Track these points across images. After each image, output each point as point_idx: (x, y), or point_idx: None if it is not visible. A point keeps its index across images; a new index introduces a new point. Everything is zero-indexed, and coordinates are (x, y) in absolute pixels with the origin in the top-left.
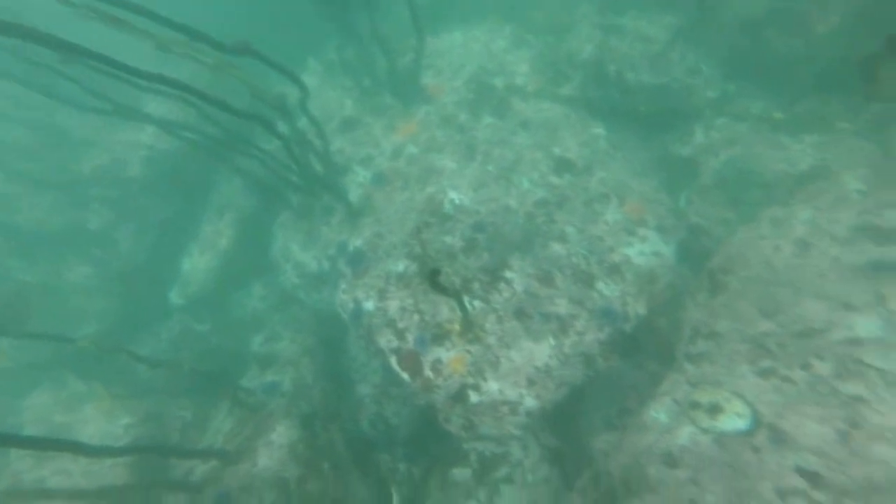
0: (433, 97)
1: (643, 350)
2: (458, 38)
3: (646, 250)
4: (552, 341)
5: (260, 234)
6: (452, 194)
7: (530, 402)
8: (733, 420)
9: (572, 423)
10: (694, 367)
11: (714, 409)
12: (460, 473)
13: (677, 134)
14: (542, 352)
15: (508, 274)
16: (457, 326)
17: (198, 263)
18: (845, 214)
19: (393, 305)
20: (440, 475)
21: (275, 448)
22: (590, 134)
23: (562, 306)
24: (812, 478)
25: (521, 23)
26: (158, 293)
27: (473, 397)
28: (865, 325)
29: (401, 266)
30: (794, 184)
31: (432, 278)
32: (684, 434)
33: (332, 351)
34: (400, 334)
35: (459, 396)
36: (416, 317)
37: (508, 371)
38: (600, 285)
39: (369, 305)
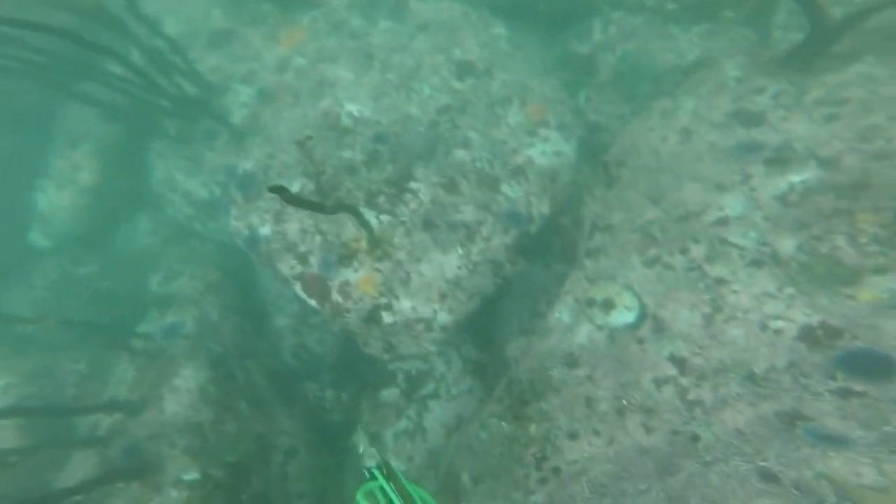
0: (319, 1)
1: (551, 250)
2: None
3: (547, 150)
4: (460, 250)
5: (132, 164)
6: (350, 107)
7: (444, 318)
8: (623, 314)
9: (490, 332)
10: (592, 262)
11: (607, 305)
12: (389, 394)
13: (576, 31)
14: (451, 263)
15: (414, 184)
16: (364, 244)
17: (57, 200)
18: (723, 101)
19: (291, 228)
20: (370, 398)
21: (182, 393)
22: (490, 34)
23: (468, 213)
24: (679, 363)
25: None
26: (15, 238)
27: (387, 318)
28: (732, 204)
29: (296, 185)
30: (682, 75)
31: (280, 193)
32: (583, 333)
33: (242, 284)
34: (302, 258)
35: (372, 318)
36: (318, 238)
37: (420, 287)
38: (505, 188)
39: (265, 230)
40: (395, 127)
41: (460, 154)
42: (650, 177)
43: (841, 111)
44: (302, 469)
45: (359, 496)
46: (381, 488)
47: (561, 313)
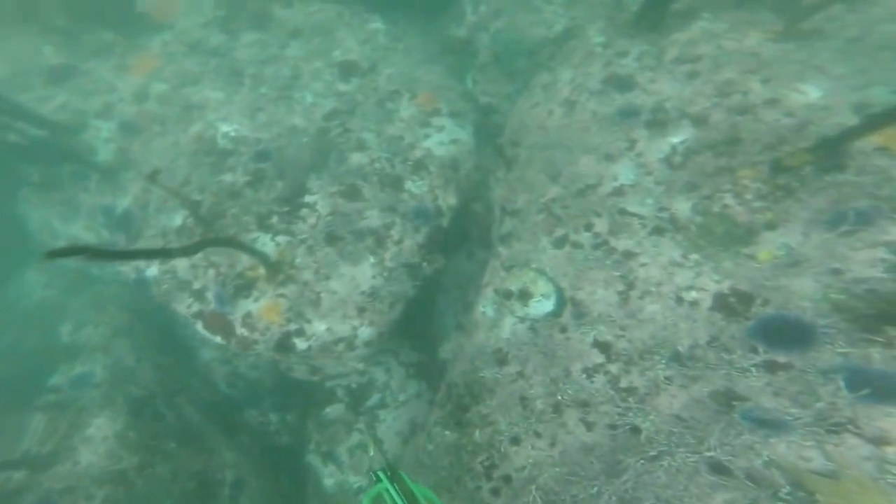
0: (164, 21)
1: (469, 238)
2: None
3: (444, 139)
4: (372, 259)
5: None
6: (225, 127)
7: (366, 332)
8: (541, 303)
9: (429, 330)
10: (505, 248)
11: (524, 295)
12: (333, 410)
13: (452, 15)
14: (364, 273)
15: (309, 198)
16: (262, 271)
17: None
18: (594, 68)
19: (181, 265)
20: (315, 416)
21: (96, 442)
22: (368, 30)
23: (374, 218)
24: (605, 349)
25: None
26: None
27: (301, 344)
28: (624, 173)
29: (178, 219)
30: (555, 46)
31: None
32: (506, 327)
33: (158, 322)
34: (198, 295)
35: (285, 347)
36: (210, 272)
37: (333, 305)
38: (409, 185)
39: (152, 271)
40: (278, 141)
41: (357, 157)
42: (545, 154)
43: (697, 68)
44: (253, 499)
45: (365, 501)
46: (387, 491)
47: (485, 307)
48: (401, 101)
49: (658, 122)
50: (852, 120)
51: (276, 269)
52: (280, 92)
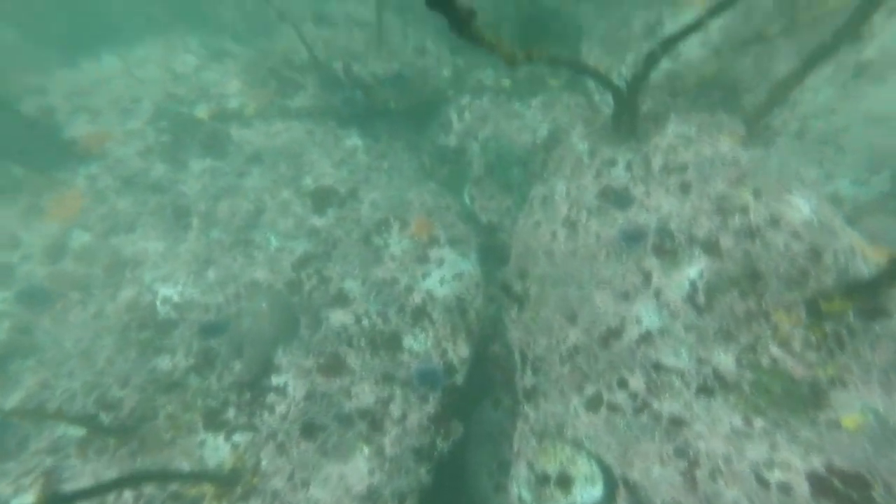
0: (95, 152)
1: (493, 384)
2: (110, 64)
3: (446, 275)
4: (366, 449)
5: None
6: (166, 290)
7: None
8: (587, 490)
9: (461, 492)
10: (533, 409)
11: (564, 480)
12: None
13: (437, 123)
14: (357, 471)
15: (277, 379)
16: (210, 488)
17: None
18: (587, 180)
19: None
20: None
21: None
22: (344, 148)
23: (365, 394)
24: None
25: (212, 28)
26: None
27: None
28: (647, 315)
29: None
30: (543, 152)
31: None
32: None
33: None
34: None
35: None
36: (126, 496)
37: None
38: (408, 342)
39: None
40: (234, 305)
41: (338, 316)
42: (557, 291)
43: (687, 179)
44: None
45: None
46: None
47: (520, 488)
48: (390, 233)
49: (668, 251)
50: (850, 234)
51: (231, 482)
52: (237, 235)
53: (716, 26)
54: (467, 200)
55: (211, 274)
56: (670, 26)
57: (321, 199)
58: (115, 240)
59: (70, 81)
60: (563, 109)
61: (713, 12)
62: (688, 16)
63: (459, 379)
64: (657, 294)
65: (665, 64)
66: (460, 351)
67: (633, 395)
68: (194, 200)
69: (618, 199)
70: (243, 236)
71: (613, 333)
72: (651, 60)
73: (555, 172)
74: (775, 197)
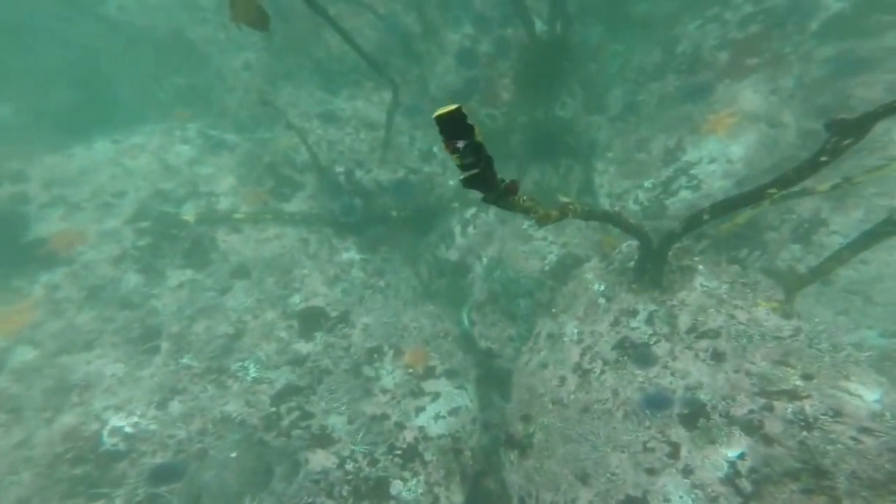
0: (62, 255)
1: None
2: (102, 150)
3: (442, 410)
4: None
5: None
6: (117, 420)
7: None
8: None
9: None
10: None
11: None
12: None
13: (438, 235)
14: None
15: None
16: None
17: None
18: (603, 326)
19: None
20: None
21: None
22: (340, 262)
23: None
24: None
25: (215, 115)
26: None
27: None
28: (676, 494)
29: None
30: (551, 280)
31: None
32: None
33: None
34: None
35: None
36: None
37: None
38: (397, 488)
39: None
40: (199, 443)
41: (318, 459)
42: (567, 447)
43: (719, 347)
44: None
45: None
46: None
47: None
48: (383, 363)
49: (699, 425)
50: None
51: None
52: (211, 363)
53: (738, 156)
54: (466, 323)
55: (175, 405)
56: (692, 153)
57: (310, 321)
58: (67, 359)
59: (54, 168)
60: (575, 232)
61: (783, 183)
62: (710, 144)
63: None
64: (687, 472)
65: (687, 194)
66: (454, 498)
67: None
68: (167, 320)
69: (638, 355)
70: (217, 364)
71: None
72: (694, 223)
73: (565, 309)
74: (830, 382)
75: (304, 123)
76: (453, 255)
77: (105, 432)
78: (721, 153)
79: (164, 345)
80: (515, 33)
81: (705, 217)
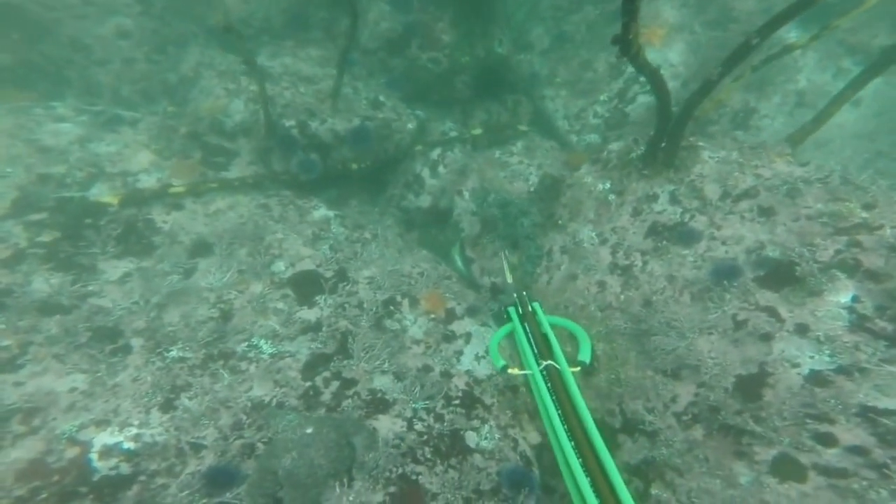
0: None
1: None
2: None
3: (479, 350)
4: None
5: None
6: (106, 437)
7: None
8: None
9: None
10: (665, 487)
11: None
12: None
13: (401, 183)
14: None
15: None
16: None
17: None
18: (624, 220)
19: None
20: None
21: None
22: (314, 222)
23: None
24: None
25: (78, 94)
26: None
27: None
28: (803, 355)
29: None
30: (541, 200)
31: None
32: None
33: None
34: None
35: None
36: None
37: None
38: (472, 439)
39: None
40: (237, 439)
41: (386, 426)
42: (640, 345)
43: (762, 203)
44: None
45: (493, 343)
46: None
47: None
48: (402, 313)
49: (786, 279)
50: None
51: None
52: (208, 349)
53: (676, 61)
54: (460, 264)
55: (186, 403)
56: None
57: (305, 286)
58: None
59: None
60: (546, 153)
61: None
62: (649, 54)
63: (537, 471)
64: (802, 330)
65: (644, 98)
66: (531, 438)
67: (860, 451)
68: (125, 317)
69: (677, 235)
70: (216, 349)
71: (755, 382)
72: (737, 56)
73: (573, 217)
74: (893, 207)
75: (228, 84)
76: (425, 202)
77: (94, 456)
78: (662, 60)
79: (136, 342)
80: None
81: (754, 41)
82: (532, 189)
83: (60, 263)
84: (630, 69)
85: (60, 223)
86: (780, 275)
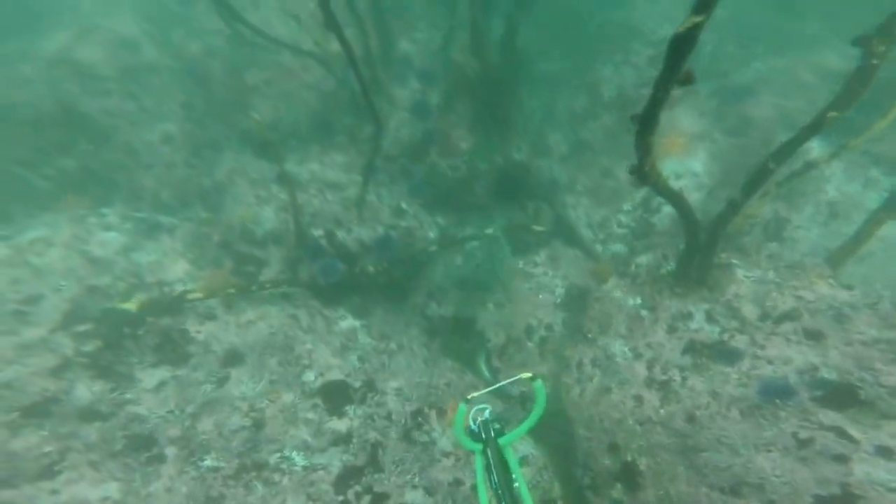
0: None
1: None
2: None
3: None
4: None
5: None
6: None
7: None
8: None
9: None
10: None
11: None
12: None
13: (424, 290)
14: None
15: None
16: None
17: None
18: (659, 337)
19: None
20: None
21: None
22: (341, 332)
23: None
24: None
25: (125, 199)
26: None
27: None
28: (889, 476)
29: None
30: (567, 311)
31: None
32: None
33: None
34: None
35: None
36: None
37: None
38: None
39: None
40: None
41: None
42: (689, 460)
43: (808, 325)
44: None
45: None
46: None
47: None
48: (431, 426)
49: (848, 401)
50: None
51: None
52: (241, 459)
53: (700, 170)
54: (487, 374)
55: None
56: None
57: (335, 396)
58: (16, 494)
59: None
60: (570, 263)
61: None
62: (671, 163)
63: None
64: (885, 453)
65: (669, 209)
66: None
67: None
68: (161, 424)
69: (717, 353)
70: (250, 459)
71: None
72: (756, 182)
73: (603, 332)
74: None
75: (260, 191)
76: (448, 311)
77: None
78: (685, 169)
79: (170, 450)
80: (460, 86)
81: (771, 166)
82: (558, 301)
83: (101, 371)
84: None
85: (103, 333)
86: (841, 396)
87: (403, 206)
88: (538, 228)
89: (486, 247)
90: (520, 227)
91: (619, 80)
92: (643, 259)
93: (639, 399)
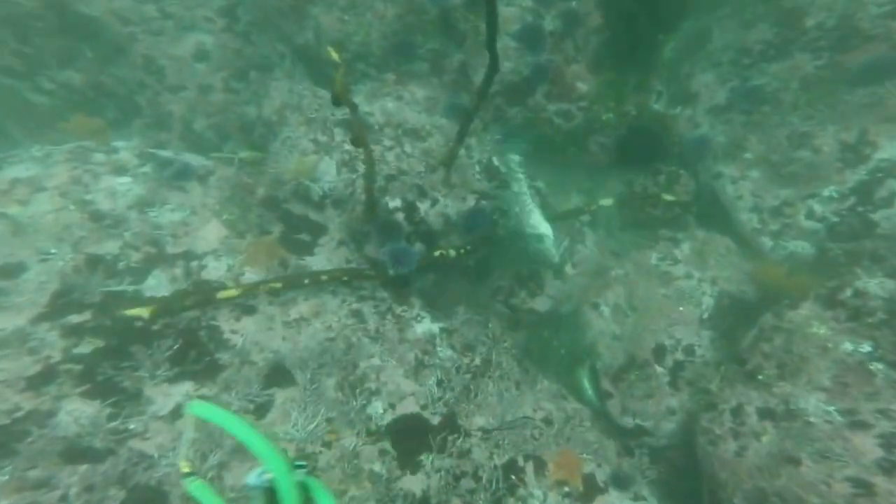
0: None
1: None
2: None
3: None
4: None
5: None
6: None
7: None
8: None
9: None
10: None
11: None
12: None
13: (511, 274)
14: None
15: None
16: None
17: None
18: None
19: None
20: None
21: None
22: (417, 340)
23: None
24: None
25: (149, 125)
26: None
27: None
28: None
29: None
30: (717, 332)
31: None
32: None
33: None
34: None
35: None
36: None
37: None
38: None
39: None
40: None
41: None
42: None
43: None
44: None
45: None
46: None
47: None
48: (528, 488)
49: None
50: None
51: None
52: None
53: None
54: (591, 394)
55: None
56: (890, 149)
57: (408, 438)
58: None
59: None
60: (721, 260)
61: None
62: None
63: None
64: None
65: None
66: None
67: None
68: (172, 473)
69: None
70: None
71: None
72: None
73: (787, 376)
74: None
75: (319, 135)
76: (542, 305)
77: None
78: None
79: None
80: (583, 5)
81: None
82: (705, 316)
83: (98, 387)
84: (882, 155)
85: (105, 328)
86: None
87: (495, 162)
88: (668, 198)
89: (599, 225)
90: (644, 199)
91: (845, 6)
92: (876, 285)
93: (867, 487)
